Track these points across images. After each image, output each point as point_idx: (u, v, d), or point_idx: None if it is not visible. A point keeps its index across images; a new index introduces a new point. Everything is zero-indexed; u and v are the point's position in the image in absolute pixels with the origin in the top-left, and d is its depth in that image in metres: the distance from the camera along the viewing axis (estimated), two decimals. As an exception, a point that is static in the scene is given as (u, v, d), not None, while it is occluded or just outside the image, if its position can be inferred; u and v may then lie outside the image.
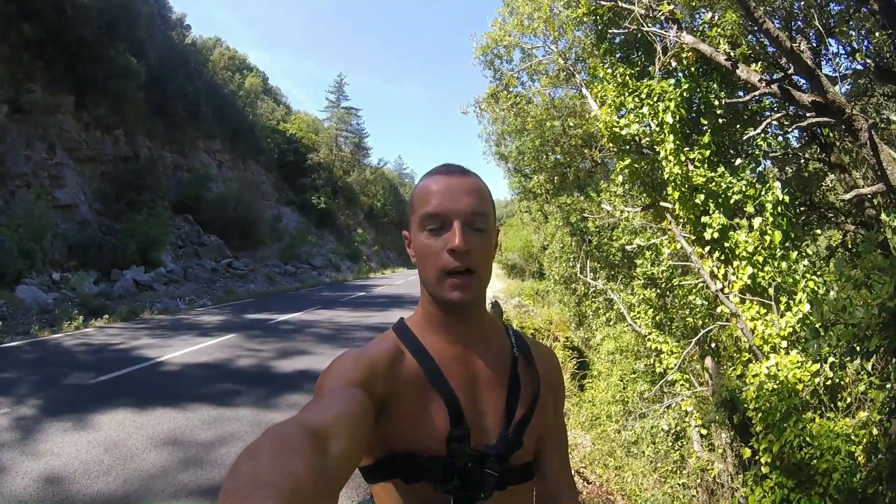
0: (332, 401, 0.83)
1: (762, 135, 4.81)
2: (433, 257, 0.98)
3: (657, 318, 6.43)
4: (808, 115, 3.94)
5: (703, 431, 5.96)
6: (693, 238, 4.82)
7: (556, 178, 11.48)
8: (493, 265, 1.09)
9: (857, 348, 2.22)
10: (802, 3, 5.22)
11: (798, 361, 3.94)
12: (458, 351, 1.05)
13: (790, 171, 7.05)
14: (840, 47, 5.60)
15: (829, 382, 3.82)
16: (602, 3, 5.57)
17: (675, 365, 5.81)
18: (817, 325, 2.48)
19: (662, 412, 6.65)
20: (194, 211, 25.80)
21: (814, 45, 5.37)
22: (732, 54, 4.52)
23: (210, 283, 21.36)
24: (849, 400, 3.80)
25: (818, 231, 5.16)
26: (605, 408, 7.86)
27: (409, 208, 1.06)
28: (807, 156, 6.70)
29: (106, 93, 20.30)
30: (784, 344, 4.17)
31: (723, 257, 4.61)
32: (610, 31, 5.83)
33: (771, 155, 5.86)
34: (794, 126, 4.77)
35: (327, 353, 9.78)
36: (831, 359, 3.58)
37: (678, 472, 6.30)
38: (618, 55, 6.11)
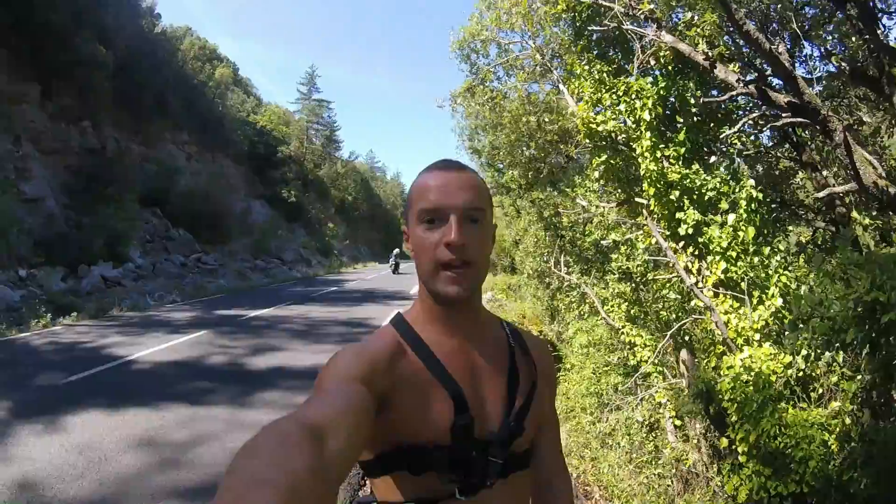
0: (332, 397, 0.83)
1: (737, 133, 4.92)
2: (430, 251, 1.00)
3: (631, 311, 6.53)
4: (783, 115, 4.05)
5: (677, 423, 6.09)
6: (668, 233, 4.91)
7: (529, 173, 11.54)
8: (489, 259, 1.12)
9: (833, 341, 2.30)
10: (779, 5, 5.34)
11: (771, 353, 4.04)
12: (458, 343, 1.07)
13: (761, 168, 7.22)
14: (815, 50, 5.76)
15: (800, 374, 3.94)
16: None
17: (649, 358, 5.92)
18: (795, 319, 2.56)
19: (637, 404, 6.76)
20: (162, 204, 25.31)
21: (789, 47, 5.50)
22: (710, 54, 4.62)
23: (179, 278, 21.02)
24: (821, 391, 3.92)
25: (789, 228, 5.30)
26: (579, 400, 7.95)
27: (406, 203, 1.08)
28: (778, 154, 6.87)
29: (72, 82, 19.81)
30: (757, 336, 4.27)
31: (697, 252, 4.70)
32: (588, 27, 5.88)
33: (744, 153, 5.99)
34: (768, 125, 4.89)
35: (300, 349, 9.84)
36: (804, 351, 3.71)
37: (653, 462, 6.41)
38: (595, 52, 6.16)
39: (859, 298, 2.12)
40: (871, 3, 3.57)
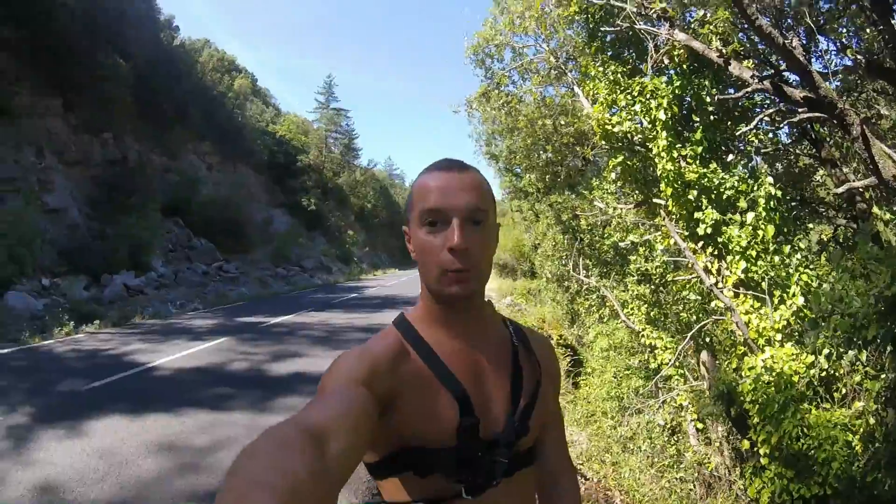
0: (333, 399, 0.83)
1: (754, 131, 4.86)
2: (433, 255, 0.98)
3: (651, 313, 6.46)
4: (799, 110, 3.98)
5: (699, 426, 6.00)
6: (686, 234, 4.85)
7: (547, 176, 11.52)
8: (493, 260, 1.11)
9: (855, 338, 2.25)
10: (793, 0, 5.27)
11: (793, 354, 3.97)
12: (461, 343, 1.06)
13: (780, 167, 7.11)
14: (830, 44, 5.67)
15: (823, 374, 3.86)
16: (594, 1, 5.60)
17: (670, 360, 5.85)
18: (816, 317, 2.51)
19: (658, 407, 6.69)
20: (184, 214, 25.58)
21: (804, 42, 5.42)
22: (724, 51, 4.57)
23: (201, 286, 21.19)
24: (844, 391, 3.84)
25: (810, 225, 5.21)
26: (600, 404, 7.88)
27: (408, 204, 1.06)
28: (797, 151, 6.76)
29: (94, 95, 20.09)
30: (779, 337, 4.20)
31: (716, 252, 4.65)
32: (601, 29, 5.86)
33: (762, 151, 5.91)
34: (785, 122, 4.82)
35: (321, 355, 9.77)
36: (826, 350, 3.64)
37: (675, 466, 6.33)
38: (609, 53, 6.14)
39: (880, 294, 2.07)
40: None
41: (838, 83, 5.90)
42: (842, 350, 2.84)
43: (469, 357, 1.06)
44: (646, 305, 6.49)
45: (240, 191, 31.91)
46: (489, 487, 1.00)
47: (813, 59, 5.76)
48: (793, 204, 6.17)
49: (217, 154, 33.20)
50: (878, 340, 2.17)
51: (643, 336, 6.41)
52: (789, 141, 6.72)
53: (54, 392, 6.99)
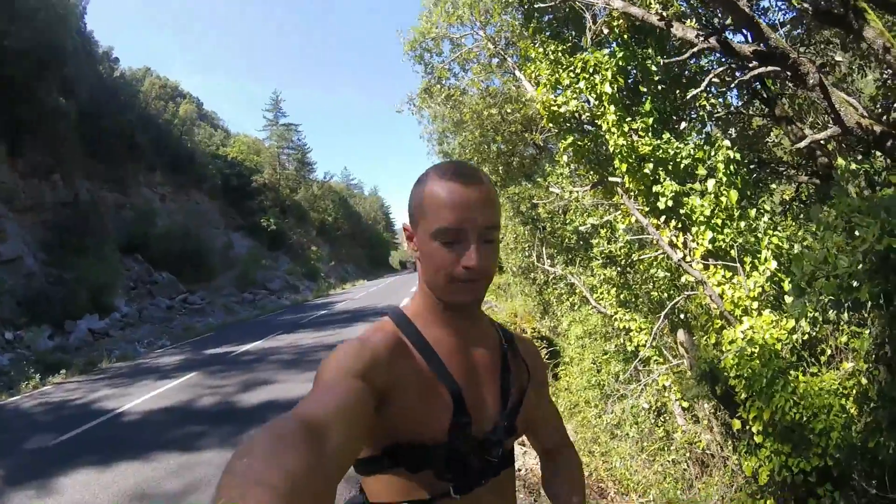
0: (330, 393, 0.82)
1: (704, 94, 4.70)
2: (445, 267, 0.99)
3: (621, 296, 6.29)
4: (750, 66, 3.80)
5: (685, 404, 5.85)
6: (647, 209, 4.66)
7: (500, 168, 11.35)
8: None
9: (844, 300, 2.05)
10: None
11: (773, 321, 3.80)
12: (458, 343, 1.08)
13: (734, 130, 7.03)
14: (775, -2, 5.55)
15: (806, 337, 3.70)
16: (525, -22, 5.40)
17: (647, 342, 5.68)
18: (798, 282, 2.30)
19: (640, 391, 6.53)
20: (143, 249, 24.91)
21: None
22: (665, 14, 4.38)
23: (167, 321, 20.61)
24: (829, 352, 3.68)
25: (773, 186, 5.08)
26: (581, 394, 7.75)
27: (415, 205, 1.04)
28: (749, 113, 6.67)
29: (39, 136, 19.51)
30: (755, 305, 4.04)
31: (680, 225, 4.46)
32: (536, 7, 5.66)
33: (715, 116, 5.78)
34: (737, 81, 4.66)
35: (291, 379, 9.71)
36: (810, 313, 3.46)
37: (665, 448, 6.19)
38: (547, 33, 5.95)
39: (869, 249, 1.87)
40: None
41: (786, 35, 5.81)
42: (830, 314, 2.67)
43: (464, 356, 1.08)
44: (614, 288, 6.31)
45: (197, 219, 31.25)
46: (477, 486, 1.04)
47: (757, 14, 5.64)
48: (752, 167, 6.07)
49: (169, 184, 32.39)
50: (869, 301, 1.98)
51: (616, 320, 6.24)
52: (740, 103, 6.61)
53: (22, 450, 6.81)
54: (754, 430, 3.37)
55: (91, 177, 23.71)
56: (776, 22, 5.19)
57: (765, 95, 5.65)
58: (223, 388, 9.49)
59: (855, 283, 1.94)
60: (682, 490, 5.48)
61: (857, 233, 1.94)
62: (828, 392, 3.28)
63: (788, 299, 2.88)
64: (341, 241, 56.08)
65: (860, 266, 1.92)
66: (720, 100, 6.08)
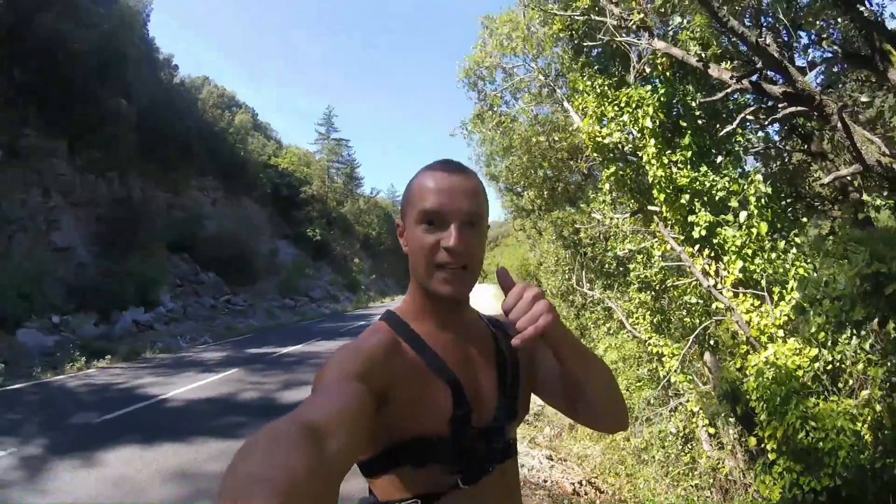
0: (330, 396, 0.84)
1: (739, 130, 4.94)
2: (428, 252, 1.01)
3: (655, 320, 6.48)
4: (779, 106, 4.06)
5: (711, 431, 5.98)
6: (682, 238, 4.91)
7: (545, 192, 11.63)
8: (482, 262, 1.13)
9: (845, 321, 2.28)
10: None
11: (796, 348, 3.99)
12: (450, 336, 1.09)
13: (775, 165, 7.18)
14: (808, 38, 5.76)
15: (829, 367, 3.88)
16: (576, 17, 5.76)
17: (677, 366, 5.85)
18: (801, 302, 2.55)
19: (669, 415, 6.67)
20: (191, 249, 25.77)
21: (784, 38, 5.51)
22: (704, 55, 4.68)
23: (210, 320, 21.31)
24: (850, 381, 3.85)
25: (804, 220, 5.25)
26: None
27: (405, 199, 1.08)
28: (788, 148, 6.83)
29: (98, 136, 20.38)
30: (781, 333, 4.23)
31: (713, 254, 4.70)
32: (585, 44, 6.02)
33: (752, 150, 5.99)
34: (770, 119, 4.90)
35: None
36: (821, 336, 3.66)
37: (690, 473, 6.30)
38: (596, 67, 6.29)
39: (860, 273, 2.11)
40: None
41: (821, 76, 5.99)
42: (835, 335, 2.87)
43: (458, 348, 1.09)
44: (649, 313, 6.51)
45: (245, 224, 32.10)
46: (484, 475, 1.04)
47: (795, 55, 5.86)
48: (788, 200, 6.23)
49: (221, 189, 33.46)
50: (869, 322, 2.21)
51: (649, 344, 6.42)
52: (779, 138, 6.79)
53: (67, 425, 7.07)
54: (768, 447, 3.57)
55: (145, 177, 24.66)
56: (809, 61, 5.40)
57: (802, 132, 5.84)
58: (264, 384, 9.79)
59: (851, 304, 2.19)
60: None
61: (848, 259, 2.19)
62: (840, 415, 3.46)
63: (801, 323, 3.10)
64: (383, 256, 56.72)
65: (856, 289, 2.17)
66: (759, 134, 6.29)
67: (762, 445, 3.69)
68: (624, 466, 6.93)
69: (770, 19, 5.67)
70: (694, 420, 6.23)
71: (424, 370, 1.03)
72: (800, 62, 5.16)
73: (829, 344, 3.68)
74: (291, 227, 41.28)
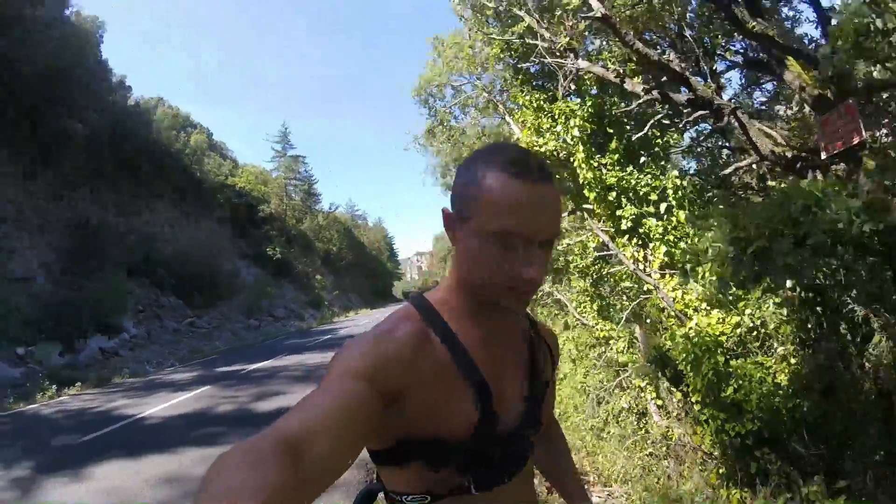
0: (326, 396, 0.81)
1: (657, 133, 5.65)
2: (500, 272, 0.91)
3: (596, 306, 7.10)
4: (685, 112, 4.78)
5: (659, 402, 6.60)
6: (613, 230, 5.58)
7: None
8: None
9: (725, 279, 2.90)
10: (676, 24, 6.16)
11: (720, 317, 4.67)
12: (486, 335, 1.02)
13: (706, 161, 7.99)
14: (718, 49, 6.58)
15: (755, 331, 4.56)
16: (514, 40, 6.44)
17: (623, 348, 6.48)
18: (683, 266, 3.17)
19: (620, 393, 7.23)
20: (151, 273, 25.49)
21: (698, 52, 6.28)
22: (623, 71, 5.38)
23: (174, 343, 21.22)
24: (772, 342, 4.53)
25: (721, 206, 5.98)
26: (570, 401, 8.34)
27: (470, 199, 0.94)
28: (708, 144, 7.66)
29: (52, 160, 20.16)
30: (705, 305, 4.90)
31: (640, 242, 5.38)
32: (520, 66, 6.72)
33: (678, 149, 6.72)
34: (683, 122, 5.64)
35: (302, 391, 9.95)
36: (741, 305, 4.35)
37: (644, 444, 6.83)
38: (533, 84, 6.98)
39: (726, 238, 2.73)
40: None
41: (743, 81, 6.79)
42: (719, 293, 3.51)
43: (492, 349, 1.02)
44: (590, 300, 7.12)
45: (204, 245, 31.82)
46: (499, 483, 1.01)
47: (717, 64, 6.63)
48: (715, 191, 6.93)
49: (178, 211, 33.07)
50: (737, 276, 2.82)
51: (596, 329, 7.02)
52: (702, 137, 7.62)
53: (50, 447, 7.23)
54: (694, 400, 4.22)
55: (102, 201, 24.35)
56: (718, 70, 6.19)
57: (723, 130, 6.63)
58: (237, 398, 10.06)
59: (733, 269, 2.80)
60: (661, 481, 6.12)
61: (712, 232, 2.84)
62: (758, 368, 4.13)
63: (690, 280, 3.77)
64: (345, 271, 56.65)
65: (722, 253, 2.80)
66: (687, 134, 7.06)
67: (688, 398, 4.33)
68: (584, 444, 7.38)
69: (693, 32, 6.42)
70: (643, 395, 6.84)
71: (452, 370, 0.97)
72: (721, 66, 5.89)
73: (748, 311, 4.37)
74: (251, 247, 40.97)
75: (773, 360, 4.32)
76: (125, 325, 20.25)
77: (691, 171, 5.47)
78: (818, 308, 3.83)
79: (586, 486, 6.49)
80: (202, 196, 35.93)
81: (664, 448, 6.64)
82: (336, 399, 0.80)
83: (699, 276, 3.26)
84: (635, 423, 7.25)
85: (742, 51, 6.22)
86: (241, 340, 24.73)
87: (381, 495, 1.10)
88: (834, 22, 3.38)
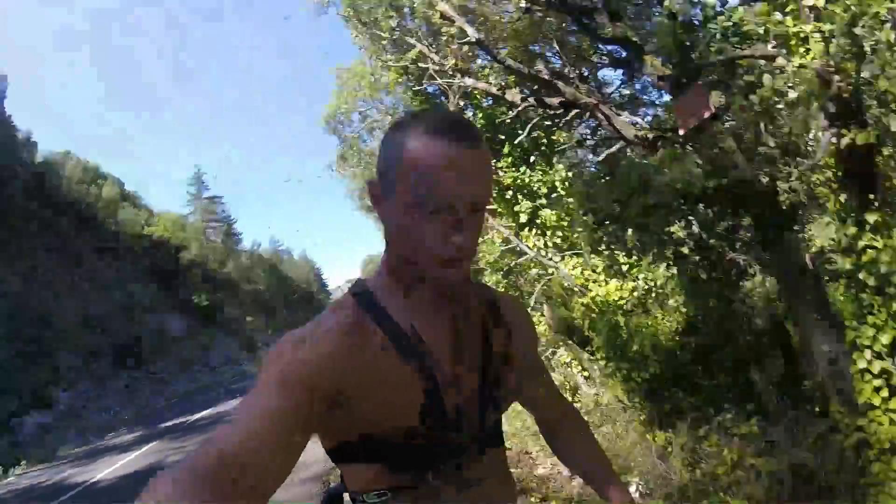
0: (258, 410, 0.78)
1: (543, 133, 6.43)
2: (429, 245, 0.86)
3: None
4: (559, 113, 5.57)
5: (586, 374, 7.28)
6: (515, 225, 6.31)
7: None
8: None
9: (601, 240, 3.59)
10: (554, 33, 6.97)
11: (617, 287, 5.41)
12: (431, 316, 0.96)
13: (604, 153, 8.93)
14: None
15: (653, 294, 5.34)
16: (409, 65, 7.11)
17: (544, 329, 7.15)
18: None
19: (551, 369, 7.83)
20: (76, 340, 24.44)
21: (572, 57, 7.14)
22: (504, 84, 6.15)
23: (113, 407, 20.65)
24: (669, 301, 5.30)
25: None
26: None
27: (394, 169, 0.87)
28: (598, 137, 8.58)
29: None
30: (602, 277, 5.65)
31: (540, 231, 6.12)
32: (414, 88, 7.42)
33: (564, 145, 7.53)
34: (563, 122, 6.45)
35: None
36: (634, 271, 5.10)
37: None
38: (431, 103, 7.67)
39: (601, 209, 3.44)
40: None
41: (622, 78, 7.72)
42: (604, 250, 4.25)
43: (438, 331, 0.96)
44: (503, 290, 7.79)
45: (127, 304, 30.78)
46: (459, 469, 0.94)
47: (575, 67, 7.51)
48: (607, 178, 7.77)
49: (97, 270, 31.66)
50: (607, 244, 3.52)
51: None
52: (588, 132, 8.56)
53: None
54: (599, 357, 4.92)
55: (14, 269, 23.31)
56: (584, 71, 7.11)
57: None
58: (186, 447, 10.06)
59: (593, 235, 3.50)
60: (604, 446, 6.73)
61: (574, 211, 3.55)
62: (651, 324, 4.88)
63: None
64: (277, 310, 55.78)
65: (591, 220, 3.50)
66: (578, 133, 7.89)
67: (595, 356, 5.05)
68: (522, 423, 7.87)
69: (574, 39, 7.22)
70: (571, 370, 7.50)
71: (393, 356, 0.90)
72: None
73: (641, 276, 5.14)
74: (177, 298, 39.60)
75: (667, 312, 5.09)
76: (60, 396, 19.52)
77: (562, 166, 6.23)
78: (699, 261, 4.62)
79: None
80: (120, 251, 34.58)
81: (598, 415, 7.29)
82: (270, 412, 0.77)
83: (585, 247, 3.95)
84: (570, 398, 7.92)
85: (608, 52, 7.13)
86: (179, 395, 24.12)
87: (346, 497, 1.04)
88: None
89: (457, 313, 0.99)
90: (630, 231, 3.77)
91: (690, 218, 3.93)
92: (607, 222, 3.27)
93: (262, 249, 62.87)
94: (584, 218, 3.50)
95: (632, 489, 4.18)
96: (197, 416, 14.61)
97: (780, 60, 3.00)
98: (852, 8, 2.51)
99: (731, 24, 3.73)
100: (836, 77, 2.68)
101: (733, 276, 4.64)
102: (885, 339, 2.94)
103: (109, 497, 7.66)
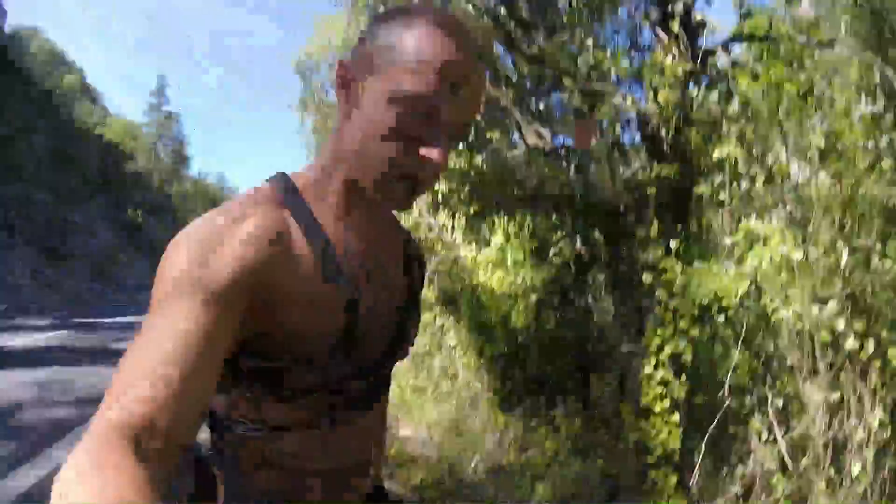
0: (171, 334, 0.61)
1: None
2: (398, 148, 0.71)
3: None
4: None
5: (465, 360, 7.82)
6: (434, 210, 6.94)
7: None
8: None
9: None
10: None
11: (502, 276, 6.09)
12: (359, 233, 0.83)
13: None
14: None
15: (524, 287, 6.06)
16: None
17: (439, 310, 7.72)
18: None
19: (435, 352, 8.27)
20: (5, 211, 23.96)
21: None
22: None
23: (16, 293, 20.16)
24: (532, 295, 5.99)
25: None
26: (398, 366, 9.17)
27: (377, 51, 0.71)
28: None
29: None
30: (491, 267, 6.31)
31: (452, 213, 6.75)
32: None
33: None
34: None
35: None
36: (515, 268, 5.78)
37: (458, 395, 7.71)
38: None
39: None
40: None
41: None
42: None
43: (364, 254, 0.83)
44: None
45: (63, 196, 29.69)
46: (355, 416, 0.85)
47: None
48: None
49: (45, 153, 30.39)
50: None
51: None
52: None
53: None
54: (462, 325, 5.60)
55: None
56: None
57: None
58: (96, 337, 10.93)
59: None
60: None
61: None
62: (505, 301, 5.56)
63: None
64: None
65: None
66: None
67: (460, 324, 5.75)
68: (405, 403, 8.08)
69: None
70: (454, 353, 7.99)
71: (315, 272, 0.75)
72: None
73: (521, 273, 5.83)
74: (110, 206, 38.28)
75: (525, 303, 5.76)
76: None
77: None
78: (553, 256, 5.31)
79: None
80: (69, 142, 33.30)
81: (468, 401, 7.75)
82: (186, 337, 0.60)
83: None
84: (450, 385, 8.27)
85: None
86: (89, 302, 23.50)
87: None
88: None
89: (383, 239, 0.90)
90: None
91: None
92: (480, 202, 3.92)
93: (209, 181, 61.48)
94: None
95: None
96: (108, 320, 14.80)
97: (617, 99, 3.72)
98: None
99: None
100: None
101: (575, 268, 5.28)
102: (668, 349, 3.42)
103: (18, 357, 8.29)
